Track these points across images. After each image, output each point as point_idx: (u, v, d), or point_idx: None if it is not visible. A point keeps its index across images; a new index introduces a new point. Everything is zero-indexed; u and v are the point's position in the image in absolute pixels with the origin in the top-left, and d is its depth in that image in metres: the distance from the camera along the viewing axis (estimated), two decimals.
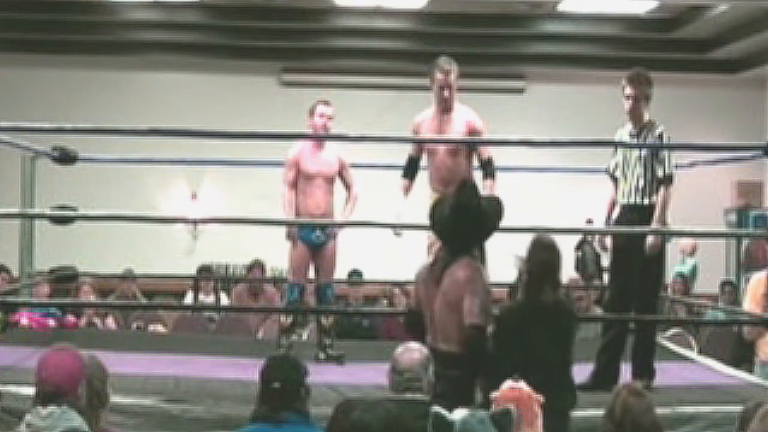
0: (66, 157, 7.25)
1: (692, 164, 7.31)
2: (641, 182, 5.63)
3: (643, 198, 5.64)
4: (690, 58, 12.84)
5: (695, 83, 13.35)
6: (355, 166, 6.83)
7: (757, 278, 7.45)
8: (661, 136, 5.64)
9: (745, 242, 11.76)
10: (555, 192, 12.42)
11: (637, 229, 5.63)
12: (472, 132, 6.02)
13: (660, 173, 5.59)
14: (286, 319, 6.67)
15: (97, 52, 12.83)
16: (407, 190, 6.17)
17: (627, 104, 5.71)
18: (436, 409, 3.33)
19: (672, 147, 5.77)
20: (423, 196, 6.00)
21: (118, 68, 13.14)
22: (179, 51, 12.90)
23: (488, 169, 6.02)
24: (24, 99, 12.39)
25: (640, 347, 5.68)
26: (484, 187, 5.81)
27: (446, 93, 6.00)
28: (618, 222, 5.81)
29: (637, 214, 5.65)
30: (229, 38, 12.70)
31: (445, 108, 6.07)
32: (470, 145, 5.99)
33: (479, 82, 12.11)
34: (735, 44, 12.17)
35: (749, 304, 7.35)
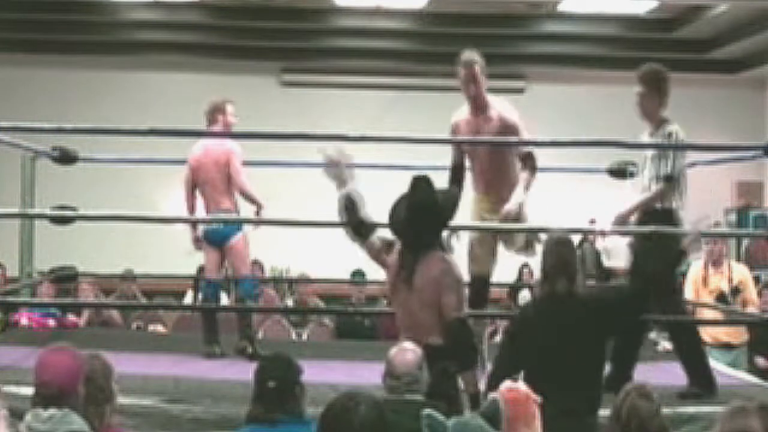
0: (66, 157, 7.26)
1: (692, 164, 7.29)
2: (651, 183, 5.51)
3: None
4: (690, 58, 12.84)
5: (695, 83, 13.34)
6: (355, 166, 6.79)
7: (695, 268, 7.51)
8: (670, 135, 5.51)
9: (745, 242, 11.76)
10: (555, 192, 12.41)
11: (643, 229, 5.53)
12: (506, 128, 5.73)
13: (661, 172, 5.47)
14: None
15: (97, 52, 12.84)
16: None
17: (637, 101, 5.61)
18: (429, 411, 3.33)
19: (672, 147, 5.70)
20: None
21: (118, 68, 13.15)
22: (179, 51, 12.91)
23: (526, 162, 5.83)
24: (24, 99, 12.41)
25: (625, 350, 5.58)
26: (521, 179, 5.78)
27: (472, 89, 5.72)
28: (635, 225, 5.65)
29: (649, 216, 5.51)
30: (229, 38, 12.70)
31: (476, 106, 5.78)
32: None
33: None
34: (735, 44, 12.18)
35: (690, 292, 7.39)
